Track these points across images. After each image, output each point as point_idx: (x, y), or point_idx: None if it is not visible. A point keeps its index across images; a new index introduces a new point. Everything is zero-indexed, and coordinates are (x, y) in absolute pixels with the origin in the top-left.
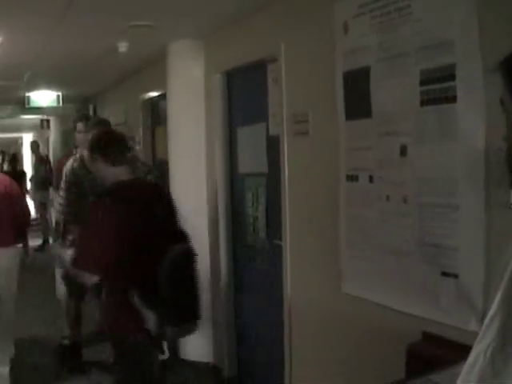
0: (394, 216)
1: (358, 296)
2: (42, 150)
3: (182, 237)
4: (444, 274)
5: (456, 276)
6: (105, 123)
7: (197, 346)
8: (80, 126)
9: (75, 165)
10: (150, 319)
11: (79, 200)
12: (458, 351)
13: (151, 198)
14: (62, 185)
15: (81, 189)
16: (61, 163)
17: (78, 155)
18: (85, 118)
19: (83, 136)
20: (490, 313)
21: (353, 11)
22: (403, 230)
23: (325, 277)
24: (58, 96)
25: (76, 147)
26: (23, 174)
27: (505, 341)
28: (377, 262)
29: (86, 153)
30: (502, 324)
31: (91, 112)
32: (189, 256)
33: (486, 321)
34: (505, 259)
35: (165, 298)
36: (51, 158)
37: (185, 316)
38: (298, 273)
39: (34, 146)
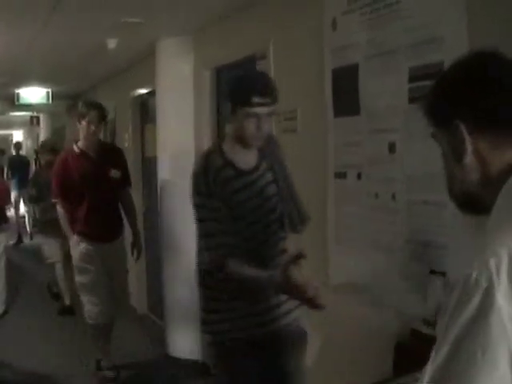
0: (383, 213)
1: (346, 293)
2: (31, 147)
3: None
4: (432, 271)
5: (444, 274)
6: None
7: (185, 344)
8: (95, 115)
9: (218, 162)
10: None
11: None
12: None
13: None
14: (197, 199)
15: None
16: (64, 163)
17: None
18: (98, 106)
19: (96, 127)
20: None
21: (342, 8)
22: (392, 227)
23: (313, 273)
24: (48, 93)
25: (76, 142)
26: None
27: None
28: (365, 258)
29: (228, 143)
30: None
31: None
32: None
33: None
34: None
35: None
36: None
37: None
38: None
39: (17, 147)
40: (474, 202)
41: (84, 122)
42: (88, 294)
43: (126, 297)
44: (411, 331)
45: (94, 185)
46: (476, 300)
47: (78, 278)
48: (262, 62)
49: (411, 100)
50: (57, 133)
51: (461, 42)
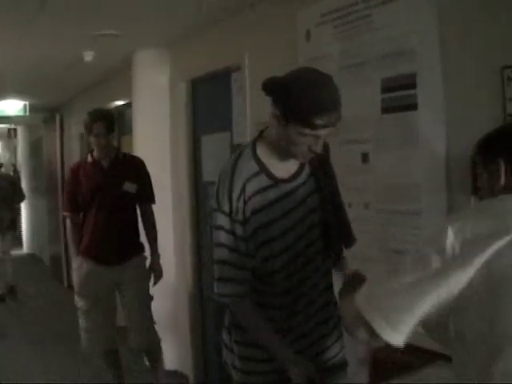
0: (356, 222)
1: None
2: (9, 159)
3: None
4: None
5: None
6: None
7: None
8: (100, 127)
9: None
10: None
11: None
12: (423, 356)
13: None
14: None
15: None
16: (75, 173)
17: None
18: (103, 116)
19: (105, 139)
20: None
21: (315, 20)
22: (365, 236)
23: None
24: (25, 105)
25: (91, 152)
26: None
27: None
28: None
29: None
30: None
31: (58, 122)
32: None
33: None
34: None
35: None
36: (19, 168)
37: None
38: None
39: None
40: None
41: (92, 136)
42: (84, 320)
43: (151, 329)
44: None
45: (102, 198)
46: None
47: (77, 304)
48: (237, 73)
49: (384, 111)
50: (34, 145)
51: (432, 53)
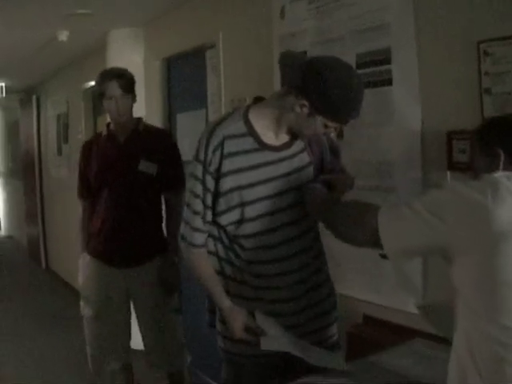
0: None
1: None
2: None
3: None
4: (383, 256)
5: None
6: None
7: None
8: (114, 87)
9: (248, 145)
10: None
11: None
12: (398, 333)
13: None
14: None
15: None
16: (86, 151)
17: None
18: (118, 74)
19: (121, 102)
20: None
21: None
22: None
23: None
24: (1, 87)
25: (108, 124)
26: None
27: None
28: None
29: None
30: None
31: (34, 103)
32: None
33: None
34: None
35: None
36: None
37: None
38: None
39: None
40: None
41: (105, 101)
42: (89, 331)
43: (177, 346)
44: (364, 316)
45: (114, 181)
46: None
47: (83, 312)
48: (212, 51)
49: None
50: (10, 127)
51: (407, 27)
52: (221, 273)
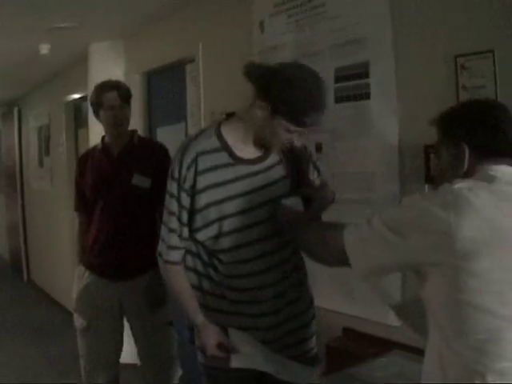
0: None
1: None
2: None
3: None
4: None
5: None
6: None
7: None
8: (113, 97)
9: (222, 159)
10: None
11: None
12: (377, 345)
13: None
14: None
15: None
16: (82, 163)
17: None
18: (117, 85)
19: (120, 112)
20: None
21: (269, 10)
22: None
23: None
24: None
25: (103, 137)
26: None
27: None
28: None
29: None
30: None
31: (16, 115)
32: None
33: None
34: None
35: None
36: None
37: None
38: None
39: None
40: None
41: (102, 111)
42: (82, 343)
43: (170, 360)
44: (343, 329)
45: (107, 195)
46: None
47: (75, 323)
48: (192, 65)
49: (337, 100)
50: None
51: (385, 41)
52: (199, 288)
